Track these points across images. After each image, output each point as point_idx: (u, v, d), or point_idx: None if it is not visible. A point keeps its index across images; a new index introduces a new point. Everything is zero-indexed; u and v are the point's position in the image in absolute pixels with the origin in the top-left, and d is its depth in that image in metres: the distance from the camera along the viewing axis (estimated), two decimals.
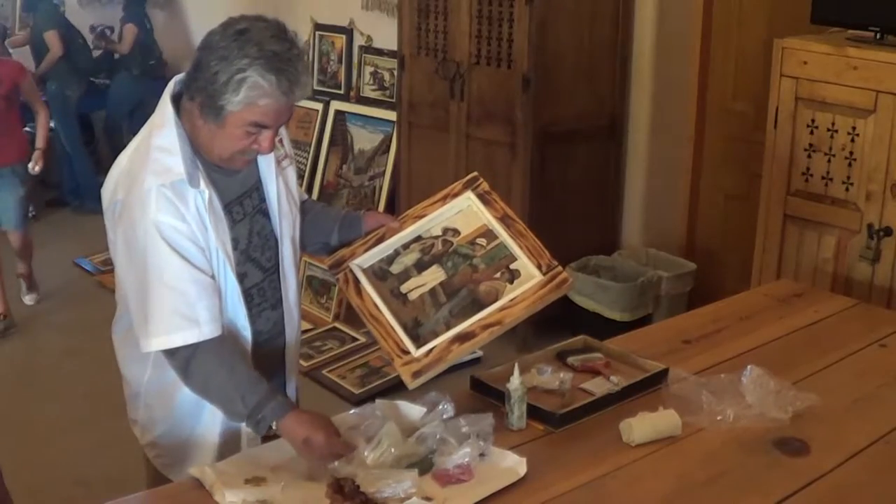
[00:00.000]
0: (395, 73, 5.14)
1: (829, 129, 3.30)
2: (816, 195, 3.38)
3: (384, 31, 5.51)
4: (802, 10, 3.46)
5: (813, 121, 3.34)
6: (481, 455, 1.85)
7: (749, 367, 2.15)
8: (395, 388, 4.09)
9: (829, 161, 3.32)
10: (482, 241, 2.10)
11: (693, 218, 4.67)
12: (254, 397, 1.87)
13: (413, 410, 1.97)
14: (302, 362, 4.28)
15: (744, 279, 3.72)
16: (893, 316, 2.73)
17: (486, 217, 2.13)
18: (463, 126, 4.55)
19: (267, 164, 2.05)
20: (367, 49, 5.81)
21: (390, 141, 5.52)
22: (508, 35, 4.32)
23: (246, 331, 2.02)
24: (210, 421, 2.04)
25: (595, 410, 2.08)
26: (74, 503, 3.39)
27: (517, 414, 2.00)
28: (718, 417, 2.03)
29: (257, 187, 2.04)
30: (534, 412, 2.03)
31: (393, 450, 1.81)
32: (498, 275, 2.04)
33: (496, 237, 2.11)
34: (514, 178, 4.34)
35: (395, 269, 2.12)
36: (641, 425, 1.97)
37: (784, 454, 1.94)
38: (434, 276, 2.08)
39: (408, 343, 1.96)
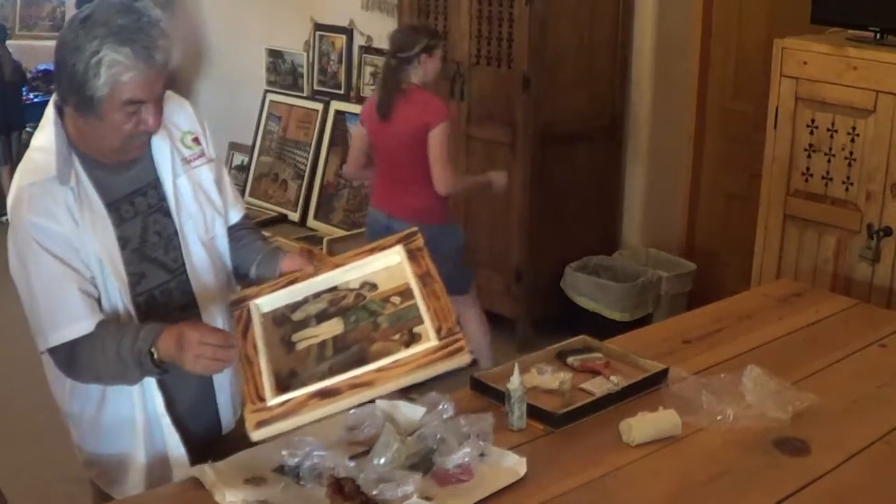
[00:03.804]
0: None
1: (829, 129, 3.30)
2: (816, 195, 3.38)
3: (384, 31, 5.50)
4: (802, 10, 3.46)
5: (813, 121, 3.34)
6: (481, 455, 1.84)
7: (749, 367, 2.15)
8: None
9: (829, 161, 3.32)
10: (397, 299, 1.92)
11: (693, 218, 4.68)
12: (127, 342, 1.83)
13: (413, 410, 1.97)
14: None
15: (744, 279, 3.72)
16: (893, 316, 2.73)
17: (409, 274, 1.96)
18: (463, 126, 4.55)
19: (163, 160, 2.00)
20: (367, 49, 5.81)
21: None
22: (508, 35, 4.32)
23: None
24: (132, 440, 2.02)
25: (595, 410, 2.08)
26: (73, 501, 3.39)
27: (517, 414, 2.00)
28: (718, 417, 2.03)
29: (155, 185, 1.99)
30: (534, 412, 2.02)
31: (398, 450, 1.81)
32: (397, 336, 1.83)
33: (412, 297, 1.91)
34: (514, 178, 4.34)
35: (297, 316, 1.98)
36: (641, 425, 1.97)
37: (784, 454, 1.94)
38: (331, 328, 1.92)
39: (268, 391, 1.78)
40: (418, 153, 3.55)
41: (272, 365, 1.84)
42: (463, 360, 1.73)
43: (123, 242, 1.93)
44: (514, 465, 1.84)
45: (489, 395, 2.12)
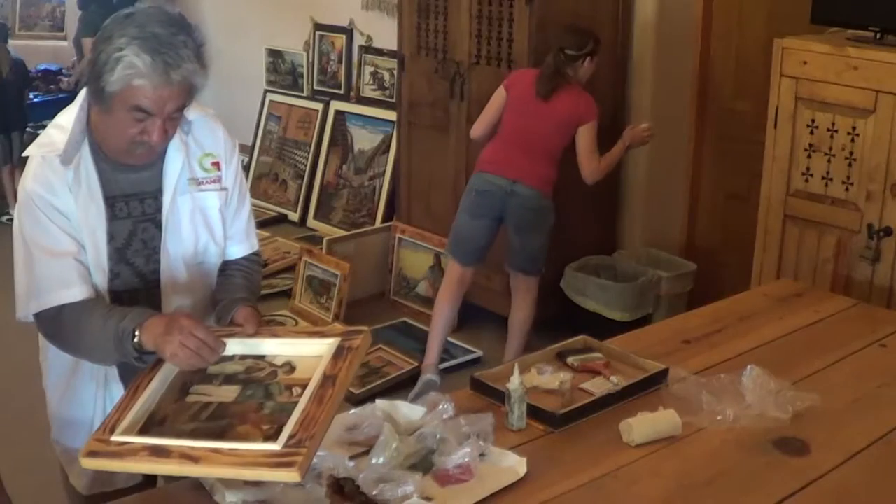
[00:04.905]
0: (395, 73, 5.14)
1: (829, 129, 3.30)
2: (816, 195, 3.38)
3: (384, 31, 5.52)
4: (802, 10, 3.46)
5: (813, 121, 3.35)
6: (481, 455, 1.84)
7: (749, 367, 2.15)
8: (395, 388, 4.09)
9: (829, 161, 3.32)
10: (297, 390, 1.83)
11: (693, 218, 4.67)
12: (114, 318, 1.84)
13: (413, 410, 1.97)
14: None
15: (744, 279, 3.72)
16: (893, 316, 2.73)
17: (319, 370, 1.86)
18: (463, 126, 4.55)
19: (170, 174, 2.00)
20: (367, 49, 5.82)
21: (390, 141, 5.52)
22: (508, 35, 4.32)
23: None
24: (84, 442, 2.02)
25: (595, 410, 2.08)
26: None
27: (517, 414, 2.00)
28: (718, 417, 2.03)
29: (156, 196, 2.00)
30: (534, 412, 2.03)
31: (397, 449, 1.81)
32: (267, 426, 1.75)
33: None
34: None
35: (213, 370, 1.93)
36: (641, 425, 1.97)
37: (784, 454, 1.94)
38: (225, 395, 1.87)
39: (122, 427, 1.76)
40: (560, 137, 3.95)
41: (155, 405, 1.83)
42: (290, 477, 1.62)
43: (110, 237, 1.96)
44: (514, 465, 1.84)
45: (489, 395, 2.13)
